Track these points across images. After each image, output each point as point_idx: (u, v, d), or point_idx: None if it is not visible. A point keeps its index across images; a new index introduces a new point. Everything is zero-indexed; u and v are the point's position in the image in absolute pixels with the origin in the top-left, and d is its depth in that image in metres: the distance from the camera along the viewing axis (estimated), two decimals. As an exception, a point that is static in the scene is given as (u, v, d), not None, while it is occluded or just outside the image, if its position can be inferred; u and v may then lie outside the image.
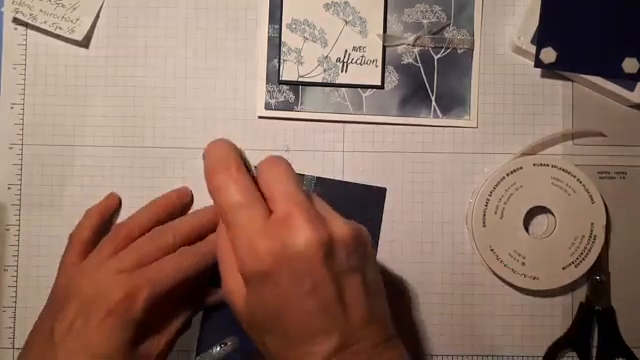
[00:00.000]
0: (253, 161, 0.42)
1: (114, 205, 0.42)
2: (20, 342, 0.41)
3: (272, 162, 0.32)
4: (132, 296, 0.34)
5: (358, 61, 0.42)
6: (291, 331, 0.29)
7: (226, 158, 0.31)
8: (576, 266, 0.40)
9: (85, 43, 0.43)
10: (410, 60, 0.42)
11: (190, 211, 0.42)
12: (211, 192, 0.31)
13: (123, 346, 0.34)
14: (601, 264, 0.41)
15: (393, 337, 0.31)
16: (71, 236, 0.40)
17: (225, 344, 0.40)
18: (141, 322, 0.34)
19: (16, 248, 0.42)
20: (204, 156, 0.32)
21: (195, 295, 0.39)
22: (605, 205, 0.41)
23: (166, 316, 0.37)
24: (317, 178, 0.42)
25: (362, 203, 0.42)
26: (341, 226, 0.30)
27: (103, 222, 0.41)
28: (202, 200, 0.42)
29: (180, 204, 0.41)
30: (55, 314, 0.35)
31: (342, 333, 0.29)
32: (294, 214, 0.29)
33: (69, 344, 0.34)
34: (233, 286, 0.31)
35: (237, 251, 0.29)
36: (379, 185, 0.42)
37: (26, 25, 0.43)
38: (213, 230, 0.40)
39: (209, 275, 0.39)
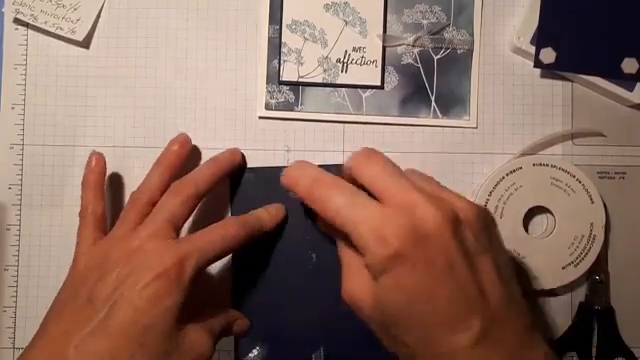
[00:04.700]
0: (254, 162, 0.42)
1: (104, 165, 0.39)
2: (20, 342, 0.42)
3: (368, 157, 0.31)
4: (182, 263, 0.32)
5: (358, 61, 0.42)
6: (430, 319, 0.27)
7: (312, 171, 0.31)
8: (575, 266, 0.40)
9: (86, 44, 0.43)
10: (410, 60, 0.42)
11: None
12: (314, 203, 0.30)
13: (169, 315, 0.32)
14: (600, 264, 0.41)
15: (533, 325, 0.29)
16: (82, 212, 0.38)
17: (260, 348, 0.41)
18: (188, 293, 0.33)
19: (17, 248, 0.42)
20: (284, 178, 0.33)
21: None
22: (604, 205, 0.41)
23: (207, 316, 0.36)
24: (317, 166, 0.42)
25: None
26: (464, 206, 0.28)
27: (104, 189, 0.39)
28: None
29: (185, 152, 0.40)
30: (87, 289, 0.33)
31: (483, 318, 0.27)
32: (414, 198, 0.28)
33: (114, 312, 0.31)
34: (358, 287, 0.29)
35: (361, 243, 0.28)
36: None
37: (27, 25, 0.43)
38: (232, 170, 0.40)
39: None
